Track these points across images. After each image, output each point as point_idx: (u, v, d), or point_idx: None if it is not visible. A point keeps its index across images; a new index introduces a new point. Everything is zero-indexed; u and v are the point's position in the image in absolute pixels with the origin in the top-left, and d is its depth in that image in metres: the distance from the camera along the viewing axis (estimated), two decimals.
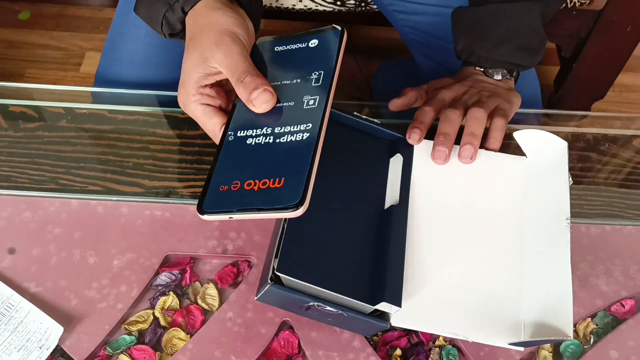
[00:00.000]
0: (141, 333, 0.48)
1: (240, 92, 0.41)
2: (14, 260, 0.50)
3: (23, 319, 0.46)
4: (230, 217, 0.36)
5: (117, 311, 0.48)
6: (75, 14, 1.27)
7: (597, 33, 0.91)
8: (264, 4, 0.52)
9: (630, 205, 0.57)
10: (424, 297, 0.43)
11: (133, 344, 0.47)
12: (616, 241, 0.54)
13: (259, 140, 0.39)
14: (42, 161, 0.56)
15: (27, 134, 0.58)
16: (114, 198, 0.54)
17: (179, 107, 0.44)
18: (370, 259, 0.43)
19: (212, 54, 0.42)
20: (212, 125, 0.42)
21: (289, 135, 0.38)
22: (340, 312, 0.42)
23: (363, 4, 0.87)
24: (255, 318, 0.48)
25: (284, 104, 0.40)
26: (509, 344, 0.42)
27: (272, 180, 0.36)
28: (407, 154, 0.49)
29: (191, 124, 0.59)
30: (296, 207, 0.34)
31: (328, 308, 0.41)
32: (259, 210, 0.35)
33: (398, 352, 0.47)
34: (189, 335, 0.48)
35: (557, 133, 0.49)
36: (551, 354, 0.48)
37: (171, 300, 0.49)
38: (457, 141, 0.50)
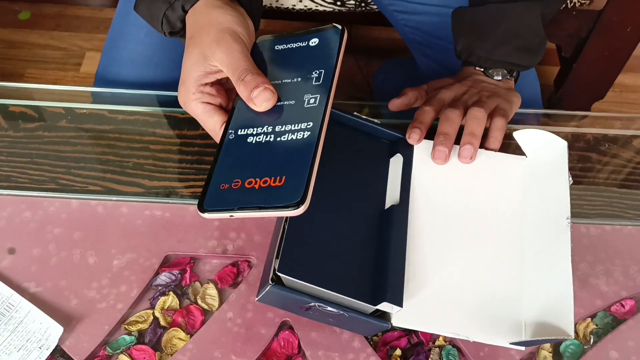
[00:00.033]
0: (141, 333, 0.48)
1: (241, 91, 0.41)
2: (14, 260, 0.50)
3: (23, 319, 0.46)
4: (231, 215, 0.36)
5: (117, 311, 0.48)
6: (76, 14, 1.27)
7: (597, 33, 0.91)
8: (264, 4, 0.52)
9: (630, 206, 0.57)
10: (425, 297, 0.43)
11: (133, 344, 0.47)
12: (616, 241, 0.54)
13: (259, 138, 0.39)
14: (42, 161, 0.56)
15: (27, 134, 0.58)
16: (114, 198, 0.54)
17: (179, 107, 0.44)
18: (371, 259, 0.43)
19: (213, 52, 0.42)
20: (213, 124, 0.42)
21: (290, 134, 0.38)
22: (341, 312, 0.42)
23: (363, 4, 0.87)
24: (255, 318, 0.48)
25: (285, 103, 0.40)
26: (510, 343, 0.42)
27: (273, 178, 0.36)
28: (407, 154, 0.49)
29: (191, 124, 0.59)
30: (297, 205, 0.35)
31: (329, 308, 0.41)
32: (260, 208, 0.35)
33: (398, 352, 0.47)
34: (188, 336, 0.47)
35: (557, 133, 0.49)
36: (551, 354, 0.48)
37: (171, 300, 0.49)
38: (457, 141, 0.50)
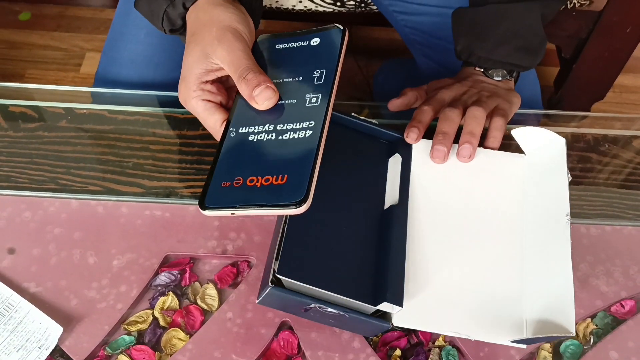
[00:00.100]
0: (140, 333, 0.48)
1: (243, 89, 0.41)
2: (14, 260, 0.50)
3: (22, 319, 0.46)
4: (232, 213, 0.37)
5: (116, 311, 0.48)
6: (76, 14, 1.27)
7: (597, 34, 0.91)
8: (264, 4, 0.52)
9: (630, 206, 0.57)
10: (426, 297, 0.43)
11: (132, 344, 0.47)
12: (616, 242, 0.54)
13: (261, 136, 0.39)
14: (42, 161, 0.56)
15: (27, 134, 0.58)
16: (114, 198, 0.54)
17: (179, 108, 0.44)
18: (370, 259, 0.43)
19: (214, 50, 0.42)
20: (213, 122, 0.42)
21: (292, 133, 0.38)
22: (342, 313, 0.42)
23: (363, 5, 0.87)
24: (254, 318, 0.48)
25: (286, 102, 0.41)
26: (511, 341, 0.42)
27: (274, 176, 0.36)
28: (406, 153, 0.49)
29: (191, 124, 0.59)
30: (299, 204, 0.35)
31: (329, 309, 0.41)
32: (262, 206, 0.35)
33: (398, 352, 0.47)
34: (188, 336, 0.47)
35: (557, 133, 0.49)
36: (551, 355, 0.48)
37: (171, 300, 0.49)
38: (456, 140, 0.50)
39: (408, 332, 0.48)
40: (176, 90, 0.44)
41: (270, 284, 0.40)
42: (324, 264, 0.42)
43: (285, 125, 0.39)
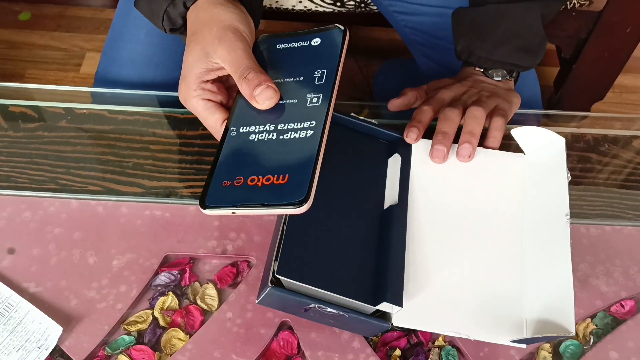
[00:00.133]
0: (140, 333, 0.48)
1: (243, 89, 0.41)
2: (14, 260, 0.50)
3: (22, 319, 0.46)
4: (233, 212, 0.37)
5: (116, 311, 0.48)
6: (76, 14, 1.27)
7: (597, 34, 0.91)
8: (264, 5, 0.52)
9: (630, 206, 0.57)
10: (425, 297, 0.43)
11: (132, 344, 0.47)
12: (616, 242, 0.54)
13: (261, 136, 0.39)
14: (42, 161, 0.56)
15: (27, 134, 0.58)
16: (114, 198, 0.54)
17: (179, 108, 0.44)
18: (370, 259, 0.43)
19: (215, 49, 0.42)
20: (214, 121, 0.42)
21: (293, 132, 0.38)
22: (342, 313, 0.42)
23: (363, 5, 0.87)
24: (254, 318, 0.48)
25: (287, 101, 0.41)
26: (511, 341, 0.42)
27: (276, 176, 0.36)
28: (406, 153, 0.49)
29: (191, 124, 0.59)
30: (300, 203, 0.35)
31: (329, 310, 0.41)
32: (263, 205, 0.36)
33: (397, 352, 0.47)
34: (188, 336, 0.47)
35: (557, 133, 0.49)
36: (551, 355, 0.48)
37: (170, 300, 0.49)
38: (456, 140, 0.50)
39: (408, 332, 0.48)
40: (176, 90, 0.44)
41: (269, 284, 0.40)
42: (323, 264, 0.42)
43: (286, 125, 0.39)
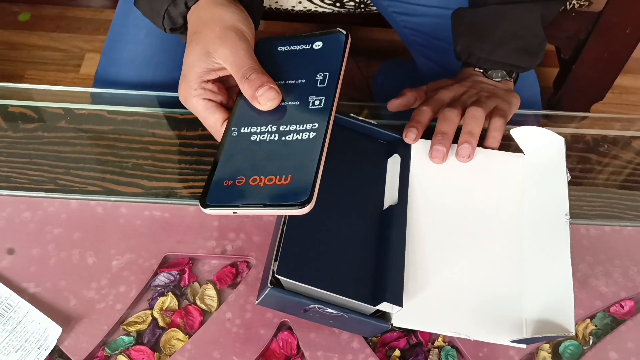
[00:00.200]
0: (140, 334, 0.48)
1: (245, 89, 0.41)
2: (13, 260, 0.50)
3: (21, 319, 0.46)
4: (234, 212, 0.37)
5: (115, 312, 0.48)
6: (76, 15, 1.27)
7: (597, 35, 0.91)
8: (263, 5, 0.52)
9: (630, 207, 0.57)
10: (425, 297, 0.43)
11: (131, 344, 0.47)
12: (616, 242, 0.54)
13: (263, 137, 0.39)
14: (41, 162, 0.56)
15: (26, 134, 0.58)
16: (113, 199, 0.54)
17: (179, 108, 0.44)
18: (370, 259, 0.43)
19: (216, 48, 0.42)
20: (214, 121, 0.42)
21: (295, 134, 0.38)
22: (341, 313, 0.42)
23: (362, 6, 0.87)
24: (254, 319, 0.48)
25: (289, 103, 0.41)
26: (511, 341, 0.42)
27: (278, 177, 0.36)
28: (405, 154, 0.49)
29: (190, 124, 0.59)
30: (303, 204, 0.35)
31: (329, 310, 0.41)
32: (265, 206, 0.36)
33: (397, 353, 0.47)
34: (187, 336, 0.47)
35: (556, 133, 0.49)
36: (550, 355, 0.48)
37: (170, 300, 0.49)
38: (456, 141, 0.50)
39: (407, 333, 0.48)
40: (176, 91, 0.44)
41: (269, 284, 0.40)
42: (323, 264, 0.42)
43: (289, 126, 0.39)
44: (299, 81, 0.42)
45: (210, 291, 0.50)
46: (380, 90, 1.03)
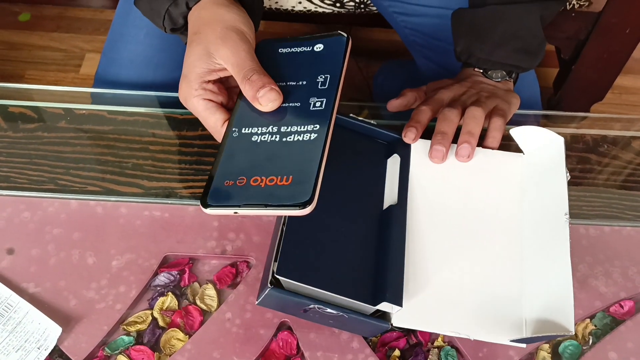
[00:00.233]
0: (140, 334, 0.48)
1: (246, 90, 0.41)
2: (13, 260, 0.50)
3: (21, 319, 0.46)
4: (235, 212, 0.37)
5: (115, 312, 0.48)
6: (76, 15, 1.27)
7: (596, 35, 0.91)
8: (263, 6, 0.52)
9: (629, 207, 0.57)
10: (425, 297, 0.43)
11: (131, 344, 0.47)
12: (615, 242, 0.54)
13: (264, 138, 0.39)
14: (41, 162, 0.56)
15: (26, 134, 0.58)
16: (113, 199, 0.54)
17: (179, 108, 0.44)
18: (370, 259, 0.43)
19: (217, 49, 0.42)
20: (214, 121, 0.42)
21: (296, 135, 0.39)
22: (341, 313, 0.42)
23: (363, 6, 0.87)
24: (253, 319, 0.48)
25: (290, 104, 0.41)
26: (511, 340, 0.42)
27: (279, 177, 0.37)
28: (405, 154, 0.49)
29: (190, 124, 0.59)
30: (304, 205, 0.35)
31: (329, 310, 0.41)
32: (267, 206, 0.36)
33: (397, 353, 0.47)
34: (187, 336, 0.47)
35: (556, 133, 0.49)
36: (550, 355, 0.48)
37: (170, 300, 0.49)
38: (455, 140, 0.50)
39: (407, 333, 0.48)
40: (176, 91, 0.44)
41: (269, 284, 0.40)
42: (323, 264, 0.42)
43: (290, 127, 0.39)
44: (300, 83, 0.42)
45: (210, 291, 0.50)
46: (380, 91, 1.03)
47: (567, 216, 0.45)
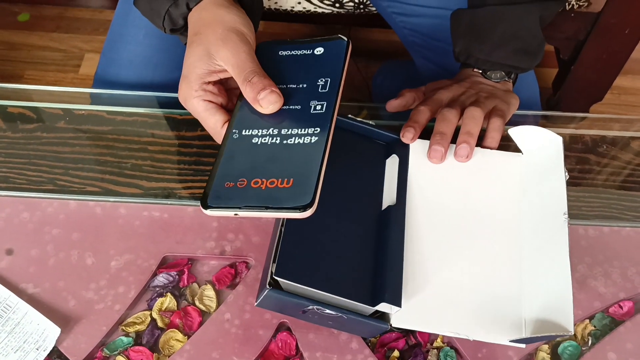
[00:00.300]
0: (138, 334, 0.48)
1: (247, 92, 0.41)
2: (12, 261, 0.50)
3: (20, 320, 0.46)
4: (235, 214, 0.37)
5: (114, 312, 0.48)
6: (75, 15, 1.27)
7: (596, 36, 0.91)
8: (263, 6, 0.52)
9: (629, 207, 0.57)
10: (424, 297, 0.43)
11: (130, 345, 0.47)
12: (614, 243, 0.54)
13: (265, 140, 0.39)
14: (40, 162, 0.56)
15: (25, 135, 0.58)
16: (112, 199, 0.54)
17: (178, 109, 0.44)
18: (369, 260, 0.43)
19: (217, 50, 0.42)
20: (214, 123, 0.42)
21: (297, 138, 0.39)
22: (340, 314, 0.42)
23: (362, 6, 0.87)
24: (252, 319, 0.48)
25: (290, 107, 0.41)
26: (510, 341, 0.42)
27: (280, 180, 0.37)
28: (403, 154, 0.49)
29: (190, 125, 0.59)
30: (305, 208, 0.35)
31: (328, 311, 0.41)
32: (267, 208, 0.36)
33: (396, 353, 0.47)
34: (186, 337, 0.47)
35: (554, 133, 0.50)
36: (549, 356, 0.48)
37: (169, 301, 0.49)
38: (454, 141, 0.50)
39: (406, 333, 0.48)
40: (175, 92, 0.44)
41: (267, 286, 0.40)
42: (321, 265, 0.42)
43: (290, 130, 0.39)
44: (300, 86, 0.42)
45: (209, 292, 0.50)
46: (379, 91, 1.03)
47: (566, 216, 0.45)
